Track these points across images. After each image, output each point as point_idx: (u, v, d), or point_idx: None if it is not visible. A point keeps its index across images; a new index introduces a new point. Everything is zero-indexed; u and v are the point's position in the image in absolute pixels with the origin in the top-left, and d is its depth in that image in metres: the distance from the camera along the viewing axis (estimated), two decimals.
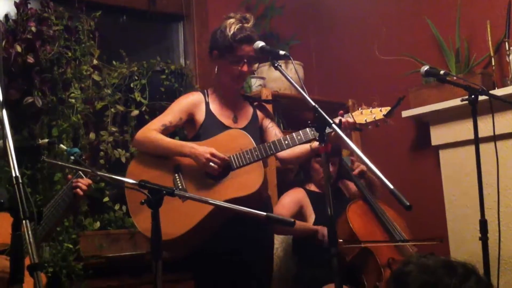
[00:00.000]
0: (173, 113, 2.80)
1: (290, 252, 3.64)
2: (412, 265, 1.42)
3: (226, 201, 2.51)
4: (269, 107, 4.04)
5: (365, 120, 2.61)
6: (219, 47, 2.75)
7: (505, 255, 3.40)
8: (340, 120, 2.55)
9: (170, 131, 2.80)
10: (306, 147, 2.76)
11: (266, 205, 2.85)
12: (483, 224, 2.72)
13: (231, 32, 2.71)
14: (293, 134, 2.63)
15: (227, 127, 2.77)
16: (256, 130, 2.85)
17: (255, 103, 2.98)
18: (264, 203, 2.78)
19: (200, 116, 2.79)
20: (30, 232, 1.48)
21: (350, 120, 2.59)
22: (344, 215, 3.31)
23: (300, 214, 3.45)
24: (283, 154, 2.79)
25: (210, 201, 2.24)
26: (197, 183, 2.66)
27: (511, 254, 3.45)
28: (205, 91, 2.90)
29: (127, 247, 3.55)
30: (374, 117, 2.61)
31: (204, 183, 2.65)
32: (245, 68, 2.73)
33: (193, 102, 2.82)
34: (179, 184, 2.65)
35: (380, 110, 2.61)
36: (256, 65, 2.83)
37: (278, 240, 3.63)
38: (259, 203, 2.65)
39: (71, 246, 3.26)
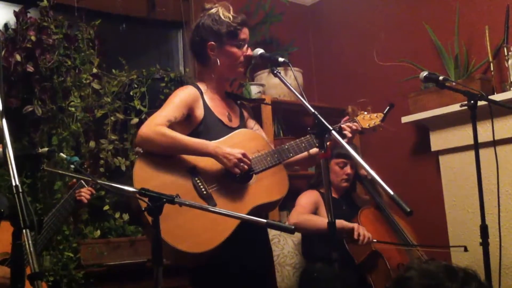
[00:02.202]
0: (176, 108, 2.53)
1: (295, 254, 3.65)
2: (413, 271, 1.42)
3: (258, 206, 2.44)
4: (269, 111, 4.09)
5: (368, 125, 2.71)
6: (218, 36, 2.57)
7: (506, 260, 3.40)
8: (340, 127, 2.55)
9: (174, 127, 2.53)
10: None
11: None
12: (484, 229, 2.72)
13: (230, 17, 2.58)
14: (308, 136, 2.57)
15: (225, 126, 2.62)
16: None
17: (239, 102, 2.83)
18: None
19: (200, 112, 2.58)
20: (30, 241, 1.48)
21: (357, 126, 2.67)
22: (356, 219, 3.34)
23: (315, 215, 3.47)
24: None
25: (211, 209, 2.20)
26: (223, 187, 2.48)
27: None
28: (196, 85, 2.66)
29: (127, 255, 3.55)
30: (374, 123, 2.72)
31: (230, 187, 2.48)
32: (249, 51, 2.60)
33: (193, 96, 2.59)
34: (203, 190, 2.44)
35: (376, 116, 2.75)
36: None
37: (279, 248, 3.63)
38: (275, 208, 2.61)
39: (71, 254, 3.26)
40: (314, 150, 2.64)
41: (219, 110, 2.65)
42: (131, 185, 2.42)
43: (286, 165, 2.81)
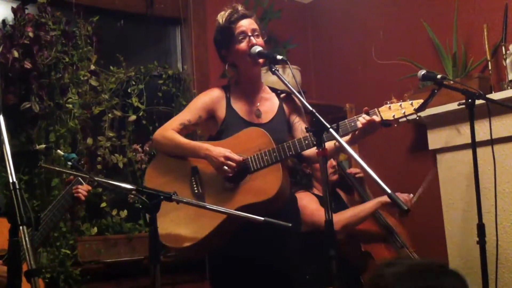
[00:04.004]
0: (192, 112, 2.70)
1: None
2: (387, 279, 1.34)
3: (243, 206, 2.43)
4: None
5: (393, 116, 2.40)
6: (223, 42, 2.67)
7: (503, 259, 3.41)
8: (338, 125, 2.48)
9: (190, 130, 2.71)
10: (330, 144, 2.50)
11: (289, 205, 2.67)
12: (481, 227, 2.72)
13: (223, 20, 2.66)
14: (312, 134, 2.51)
15: (249, 123, 2.65)
16: (283, 124, 2.73)
17: (282, 95, 2.83)
18: (286, 205, 2.61)
19: (221, 112, 2.69)
20: (27, 238, 1.48)
21: (377, 118, 2.40)
22: None
23: None
24: (308, 152, 2.62)
25: (208, 207, 2.22)
26: (215, 186, 2.55)
27: (508, 257, 3.45)
28: (227, 86, 2.78)
29: (125, 252, 3.55)
30: (404, 112, 2.40)
31: (221, 187, 2.54)
32: (253, 41, 2.62)
33: (213, 99, 2.71)
34: (195, 188, 2.56)
35: (411, 104, 2.39)
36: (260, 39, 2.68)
37: None
38: (279, 206, 2.50)
39: (68, 251, 3.25)
40: (330, 143, 2.48)
41: (245, 108, 2.71)
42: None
43: (310, 160, 2.81)
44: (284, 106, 2.79)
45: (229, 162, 2.48)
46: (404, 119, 2.43)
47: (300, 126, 2.75)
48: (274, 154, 2.49)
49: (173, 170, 2.63)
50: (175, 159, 2.65)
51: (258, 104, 2.74)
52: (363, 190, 3.60)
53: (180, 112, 2.79)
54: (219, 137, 2.66)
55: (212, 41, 2.77)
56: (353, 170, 3.63)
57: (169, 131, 2.64)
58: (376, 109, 2.44)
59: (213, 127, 2.74)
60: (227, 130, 2.65)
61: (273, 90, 2.86)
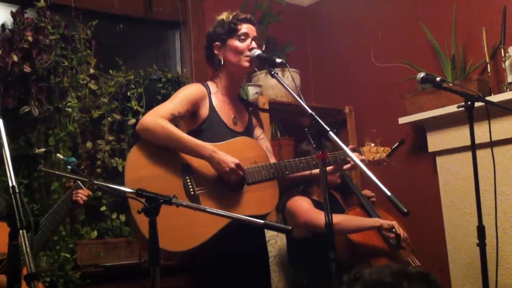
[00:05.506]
0: (183, 103, 2.58)
1: (284, 263, 3.62)
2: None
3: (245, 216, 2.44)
4: (265, 115, 4.08)
5: (372, 158, 2.83)
6: (220, 36, 2.66)
7: (503, 261, 3.41)
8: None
9: (176, 122, 2.59)
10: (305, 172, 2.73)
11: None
12: (481, 230, 2.72)
13: (230, 17, 2.67)
14: (308, 157, 2.63)
15: (229, 128, 2.66)
16: (252, 136, 2.77)
17: (250, 108, 2.87)
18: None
19: (204, 110, 2.63)
20: (27, 242, 1.48)
21: (359, 156, 2.76)
22: None
23: None
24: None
25: (208, 210, 2.21)
26: (212, 191, 2.51)
27: (508, 259, 3.45)
28: (206, 84, 2.72)
29: (124, 256, 3.55)
30: (379, 157, 2.85)
31: (220, 192, 2.51)
32: (253, 45, 2.63)
33: (200, 95, 2.64)
34: (191, 189, 2.48)
35: (383, 150, 2.86)
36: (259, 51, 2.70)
37: (275, 248, 3.62)
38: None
39: (68, 255, 3.25)
40: (315, 171, 2.68)
41: (225, 112, 2.69)
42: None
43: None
44: (252, 119, 2.84)
45: (240, 171, 2.49)
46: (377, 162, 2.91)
47: (265, 143, 2.81)
48: (272, 170, 2.57)
49: (160, 164, 2.49)
50: (161, 150, 2.50)
51: (235, 111, 2.75)
52: (358, 190, 3.58)
53: (168, 100, 2.64)
54: (199, 134, 2.58)
55: (208, 34, 2.76)
56: (367, 193, 3.60)
57: (163, 119, 2.49)
58: (360, 148, 2.87)
59: (190, 123, 2.67)
60: (209, 131, 2.62)
61: (242, 101, 2.89)
